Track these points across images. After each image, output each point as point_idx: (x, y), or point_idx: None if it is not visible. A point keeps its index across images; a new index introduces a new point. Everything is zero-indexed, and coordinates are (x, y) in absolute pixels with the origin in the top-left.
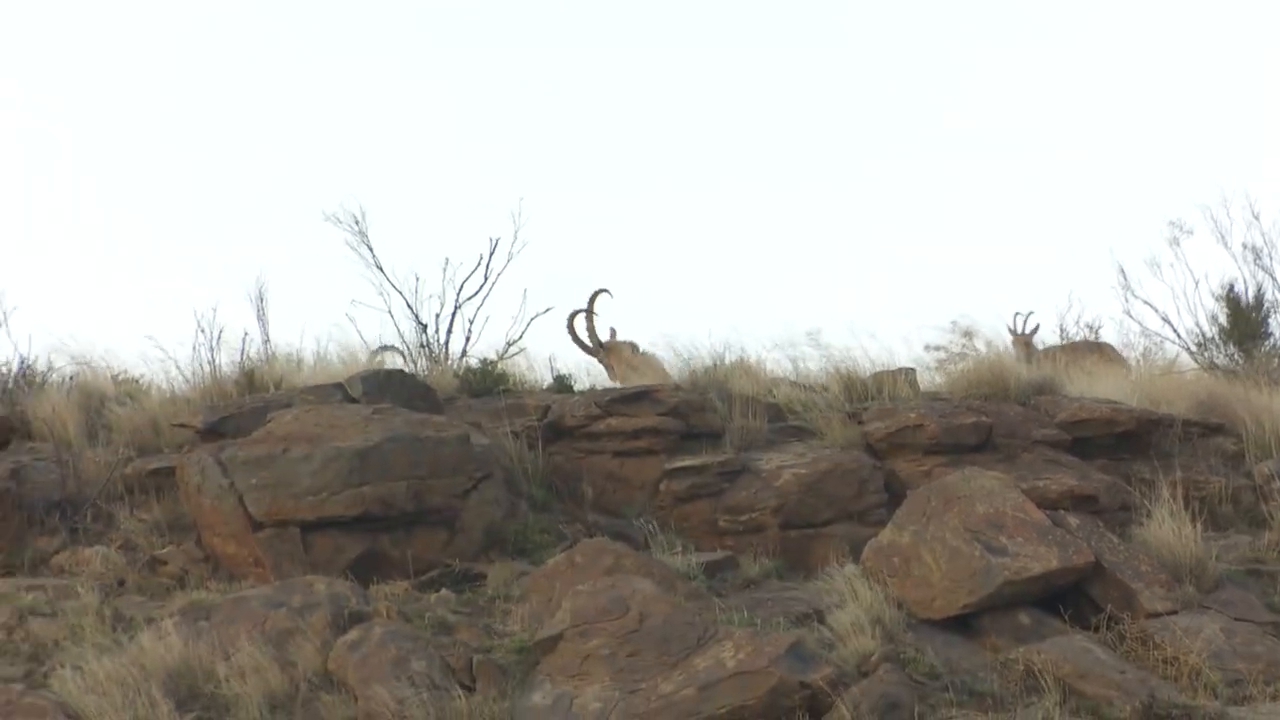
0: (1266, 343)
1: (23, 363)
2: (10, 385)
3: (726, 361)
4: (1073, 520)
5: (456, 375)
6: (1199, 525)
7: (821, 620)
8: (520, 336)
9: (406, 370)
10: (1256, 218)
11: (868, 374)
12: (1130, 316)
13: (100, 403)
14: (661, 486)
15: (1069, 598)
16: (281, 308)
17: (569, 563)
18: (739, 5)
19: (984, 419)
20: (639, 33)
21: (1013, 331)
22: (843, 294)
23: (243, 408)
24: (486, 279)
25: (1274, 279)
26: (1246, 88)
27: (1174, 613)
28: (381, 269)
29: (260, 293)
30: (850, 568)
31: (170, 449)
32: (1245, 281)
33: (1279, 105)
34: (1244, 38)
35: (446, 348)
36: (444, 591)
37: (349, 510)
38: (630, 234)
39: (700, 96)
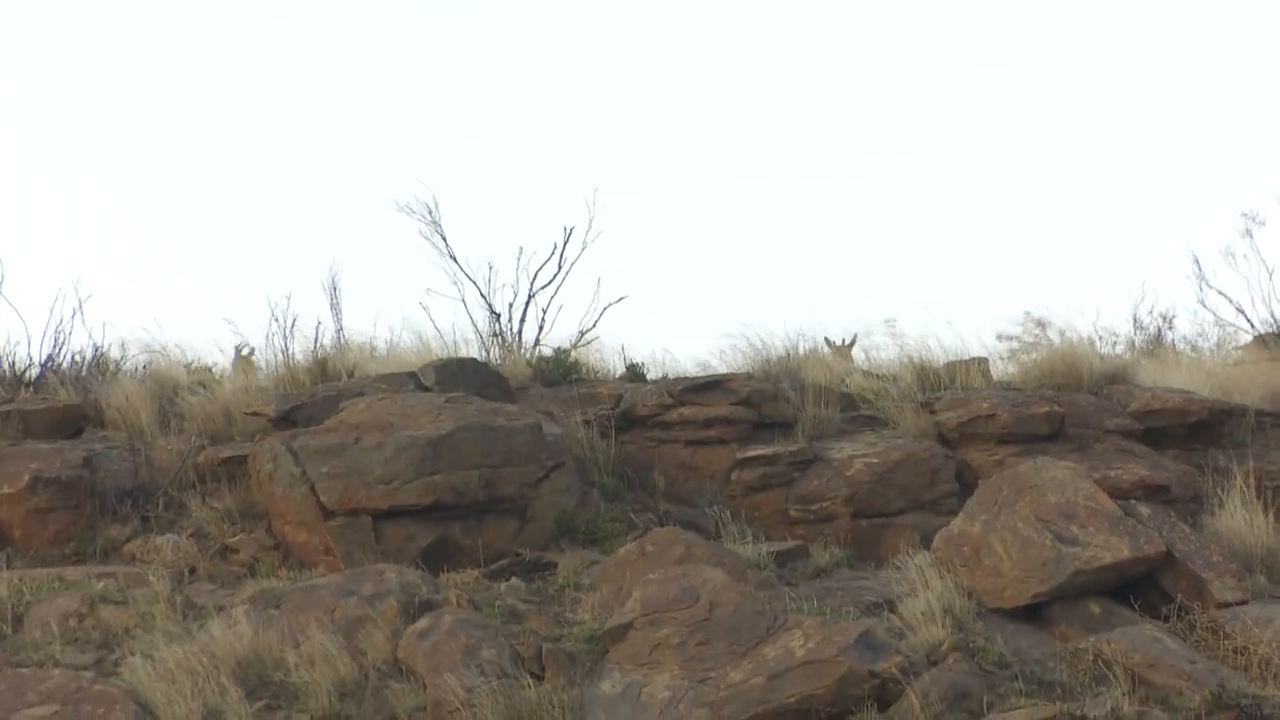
0: None
1: (97, 351)
2: (84, 374)
3: (800, 351)
4: (1144, 510)
5: (529, 364)
6: (1271, 515)
7: (891, 609)
8: (593, 326)
9: (480, 359)
10: None
11: (940, 363)
12: (1204, 306)
13: (173, 391)
14: (733, 476)
15: (1140, 587)
16: (355, 297)
17: (640, 552)
18: None
19: (1056, 409)
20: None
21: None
22: (919, 285)
23: (315, 396)
24: (560, 268)
25: None
26: None
27: (1245, 603)
28: (455, 258)
29: (334, 282)
30: (921, 557)
31: (242, 438)
32: None
33: None
34: None
35: (520, 337)
36: (514, 580)
37: (420, 499)
38: (706, 223)
39: (776, 81)
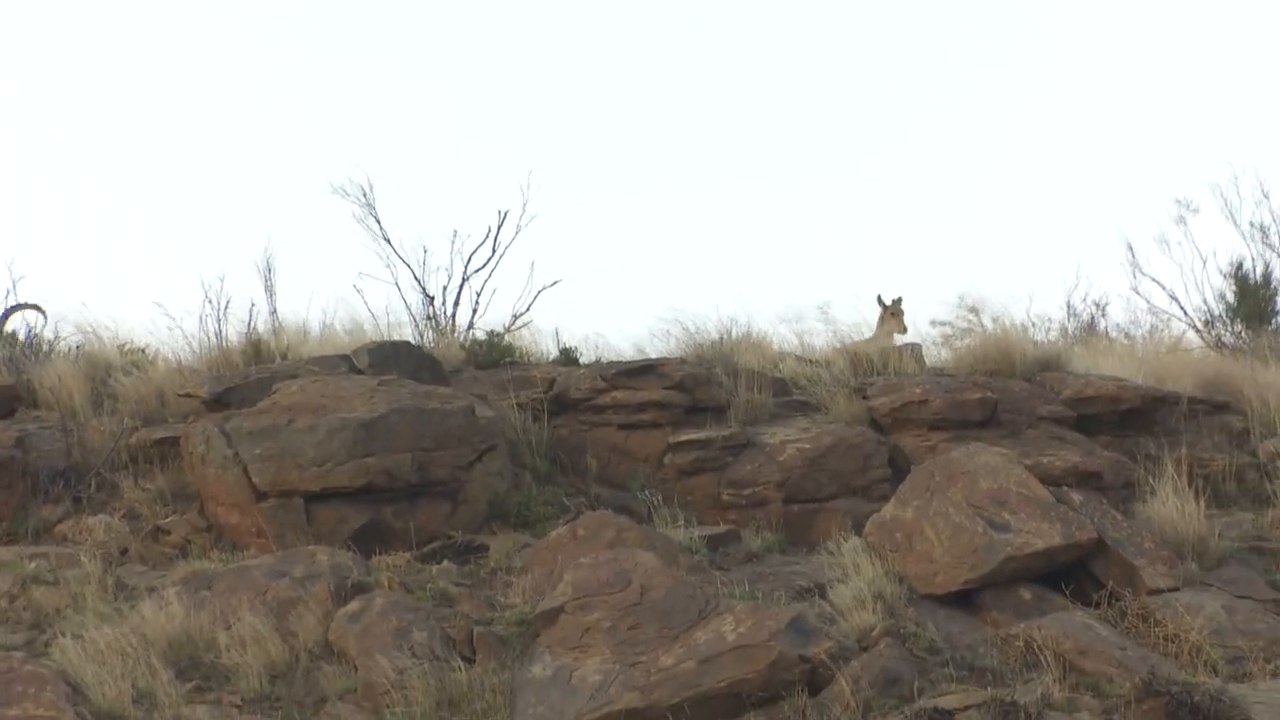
0: (1273, 321)
1: (29, 332)
2: (17, 354)
3: (733, 335)
4: (1076, 497)
5: (463, 347)
6: (1202, 503)
7: (823, 595)
8: (527, 309)
9: (413, 342)
10: (1266, 196)
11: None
12: (1138, 294)
13: (106, 372)
14: (666, 460)
15: (1071, 574)
16: (289, 279)
17: (571, 535)
18: None
19: (989, 395)
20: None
21: (882, 304)
22: (850, 270)
23: (248, 378)
24: (494, 251)
25: None
26: (1258, 65)
27: (1176, 590)
28: (389, 241)
29: (268, 263)
30: (853, 542)
31: (175, 419)
32: (1253, 260)
33: None
34: (1255, 14)
35: (453, 320)
36: (446, 563)
37: (353, 481)
38: (640, 207)
39: (706, 64)
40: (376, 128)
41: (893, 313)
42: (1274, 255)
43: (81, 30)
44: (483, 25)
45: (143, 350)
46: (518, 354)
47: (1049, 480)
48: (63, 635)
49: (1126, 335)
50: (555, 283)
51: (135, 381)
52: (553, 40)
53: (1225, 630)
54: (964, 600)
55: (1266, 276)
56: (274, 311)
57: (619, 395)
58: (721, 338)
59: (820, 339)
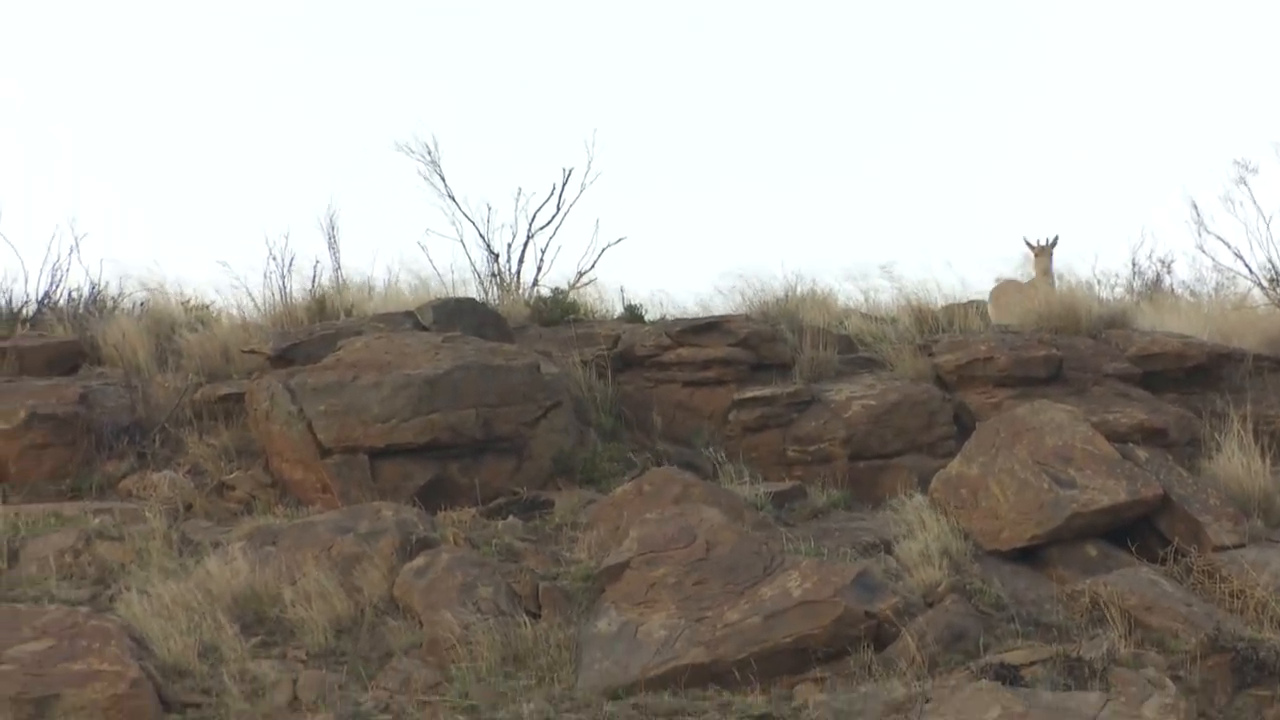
0: None
1: (94, 288)
2: (81, 310)
3: (798, 292)
4: (1142, 453)
5: (528, 304)
6: (1268, 459)
7: (888, 551)
8: (592, 266)
9: (477, 299)
10: None
11: (939, 306)
12: (1203, 251)
13: (171, 329)
14: (731, 417)
15: (1137, 531)
16: (353, 237)
17: (637, 491)
18: None
19: (1055, 352)
20: None
21: (1030, 245)
22: (916, 227)
23: (313, 335)
24: (559, 209)
25: None
26: None
27: (1241, 546)
28: (454, 198)
29: (332, 221)
30: (918, 499)
31: (240, 375)
32: None
33: None
34: None
35: (518, 277)
36: (511, 519)
37: (418, 438)
38: (705, 164)
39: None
40: (441, 85)
41: (1040, 252)
42: None
43: None
44: None
45: (207, 307)
46: (582, 311)
47: (1114, 437)
48: (127, 590)
49: (1192, 293)
50: (620, 240)
51: (200, 338)
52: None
53: None
54: (1029, 556)
55: None
56: (338, 268)
57: (684, 352)
58: (786, 294)
59: (886, 295)
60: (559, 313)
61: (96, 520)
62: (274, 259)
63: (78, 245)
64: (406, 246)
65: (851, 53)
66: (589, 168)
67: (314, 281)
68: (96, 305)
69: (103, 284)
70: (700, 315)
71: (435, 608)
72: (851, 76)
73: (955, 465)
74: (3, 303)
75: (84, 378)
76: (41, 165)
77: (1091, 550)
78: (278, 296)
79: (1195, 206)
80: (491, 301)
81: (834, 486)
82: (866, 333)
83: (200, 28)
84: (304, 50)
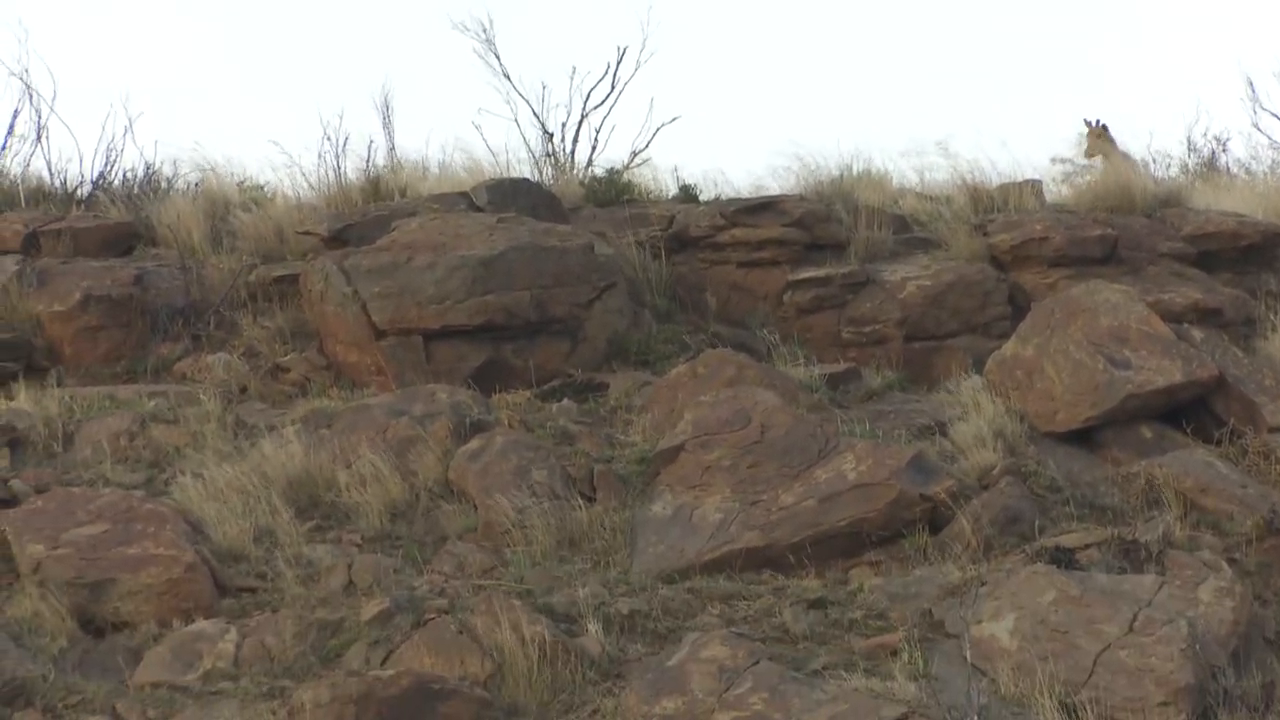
0: None
1: (148, 169)
2: (135, 192)
3: (853, 171)
4: (1197, 334)
5: (582, 185)
6: None
7: (943, 433)
8: (646, 146)
9: (532, 180)
10: None
11: (993, 185)
12: (1258, 129)
13: (225, 210)
14: (785, 298)
15: (1192, 412)
16: (407, 116)
17: (691, 373)
18: None
19: (1109, 231)
20: None
21: (1089, 124)
22: (971, 104)
23: (367, 216)
24: (614, 88)
25: None
26: None
27: None
28: (508, 77)
29: (386, 101)
30: (973, 380)
31: (294, 257)
32: None
33: None
34: None
35: (572, 157)
36: (566, 401)
37: (472, 319)
38: (759, 42)
39: None
40: None
41: (1097, 135)
42: None
43: None
44: None
45: (261, 188)
46: (637, 191)
47: (1169, 317)
48: (182, 474)
49: (1247, 171)
50: (674, 119)
51: (254, 219)
52: None
53: None
54: (1084, 438)
55: None
56: (392, 149)
57: (738, 233)
58: (841, 174)
59: (941, 174)
60: (613, 193)
61: (151, 403)
62: (328, 139)
63: (131, 125)
64: (461, 126)
65: None
66: (644, 46)
67: (368, 162)
68: (151, 186)
69: (157, 164)
70: (754, 195)
71: (490, 491)
72: None
73: (1010, 346)
74: (58, 184)
75: (138, 259)
76: (96, 46)
77: (1146, 432)
78: (332, 177)
79: (1250, 83)
80: (546, 182)
81: (889, 368)
82: (921, 212)
83: None
84: None
